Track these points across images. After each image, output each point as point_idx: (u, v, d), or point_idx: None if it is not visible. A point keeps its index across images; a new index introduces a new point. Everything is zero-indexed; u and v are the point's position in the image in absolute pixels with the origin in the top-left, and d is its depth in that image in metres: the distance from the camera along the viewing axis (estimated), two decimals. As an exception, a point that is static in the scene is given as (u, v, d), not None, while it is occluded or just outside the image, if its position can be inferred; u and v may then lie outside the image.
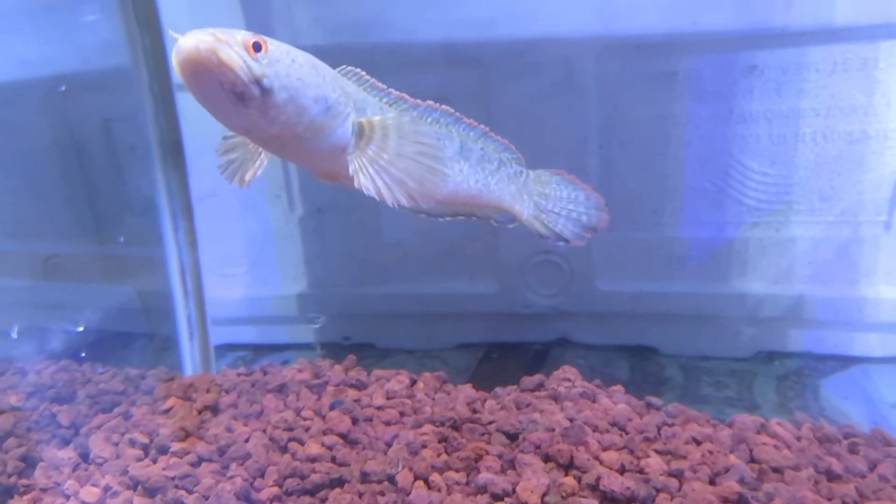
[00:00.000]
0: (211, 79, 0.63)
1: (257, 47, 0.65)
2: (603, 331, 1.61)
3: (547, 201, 0.95)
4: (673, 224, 1.50)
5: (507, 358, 1.62)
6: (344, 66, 0.79)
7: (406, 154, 0.74)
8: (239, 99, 0.65)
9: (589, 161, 1.48)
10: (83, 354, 1.37)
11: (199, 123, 1.54)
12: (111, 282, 1.66)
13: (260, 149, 0.82)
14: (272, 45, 0.67)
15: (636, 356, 1.57)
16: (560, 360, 1.56)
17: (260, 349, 1.75)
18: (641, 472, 0.90)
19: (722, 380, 1.45)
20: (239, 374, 1.27)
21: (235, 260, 1.74)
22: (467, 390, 1.18)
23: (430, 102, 0.84)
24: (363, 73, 0.80)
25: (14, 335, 1.34)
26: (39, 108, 1.63)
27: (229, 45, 0.63)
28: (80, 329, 1.41)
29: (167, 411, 1.12)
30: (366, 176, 0.73)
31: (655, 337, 1.58)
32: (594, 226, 0.96)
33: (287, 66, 0.67)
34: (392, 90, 0.82)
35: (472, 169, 0.86)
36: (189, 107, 1.42)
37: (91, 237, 1.72)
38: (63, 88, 1.50)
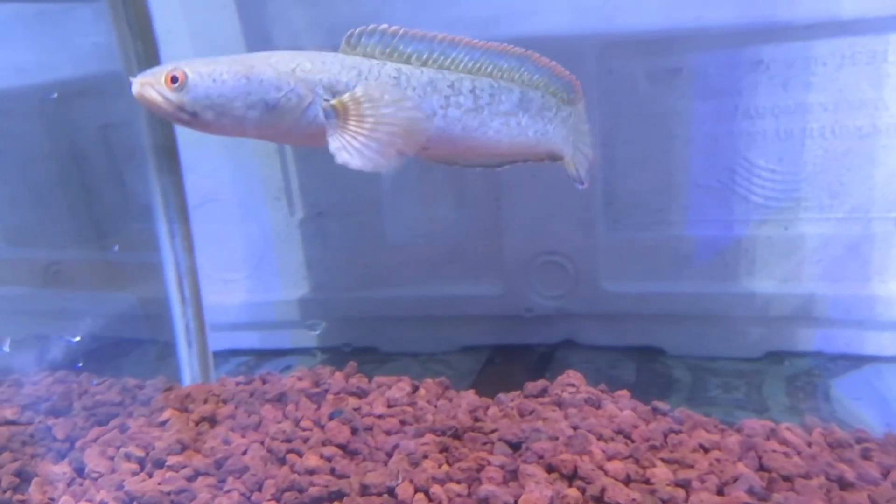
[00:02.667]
0: (155, 111, 0.73)
1: (174, 80, 0.71)
2: (609, 332, 1.58)
3: (578, 139, 0.92)
4: (679, 223, 1.48)
5: (511, 361, 1.60)
6: (368, 27, 0.78)
7: (387, 118, 0.74)
8: (179, 121, 0.73)
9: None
10: (80, 364, 1.36)
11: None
12: (111, 289, 1.65)
13: None
14: (191, 73, 0.71)
15: (643, 357, 1.55)
16: (565, 362, 1.54)
17: (262, 354, 1.74)
18: (647, 482, 0.88)
19: (731, 381, 1.43)
20: (238, 384, 1.25)
21: (236, 265, 1.72)
22: (470, 397, 1.16)
23: (493, 44, 0.81)
24: (394, 28, 0.79)
25: (6, 348, 1.33)
26: (36, 114, 1.62)
27: (152, 85, 0.72)
28: (77, 339, 1.40)
29: (164, 423, 1.11)
30: (350, 153, 0.73)
31: (662, 338, 1.55)
32: (589, 168, 0.94)
33: (206, 88, 0.72)
34: (442, 36, 0.80)
35: (531, 119, 0.84)
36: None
37: (91, 244, 1.71)
38: (55, 95, 1.49)
